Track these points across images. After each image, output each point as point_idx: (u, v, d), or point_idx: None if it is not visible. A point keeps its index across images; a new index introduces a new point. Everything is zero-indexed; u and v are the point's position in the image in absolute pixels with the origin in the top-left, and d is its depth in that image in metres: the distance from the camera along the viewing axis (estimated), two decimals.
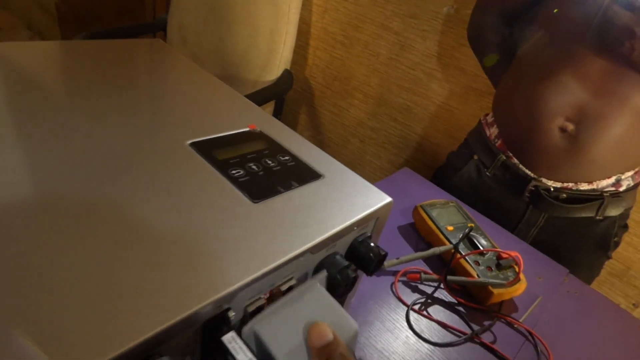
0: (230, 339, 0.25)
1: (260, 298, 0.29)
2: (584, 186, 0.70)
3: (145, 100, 0.45)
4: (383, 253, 0.37)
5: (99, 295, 0.23)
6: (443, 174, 0.88)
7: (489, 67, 0.86)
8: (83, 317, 0.22)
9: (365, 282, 0.54)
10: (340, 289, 0.33)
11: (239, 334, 0.26)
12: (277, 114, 1.39)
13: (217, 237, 0.29)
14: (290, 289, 0.31)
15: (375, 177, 1.34)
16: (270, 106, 1.36)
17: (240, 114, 0.47)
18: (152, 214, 0.29)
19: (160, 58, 0.59)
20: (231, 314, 0.26)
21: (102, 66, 0.52)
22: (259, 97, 1.27)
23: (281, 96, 1.35)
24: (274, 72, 1.30)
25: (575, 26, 0.67)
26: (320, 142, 1.47)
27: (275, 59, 1.28)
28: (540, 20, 0.73)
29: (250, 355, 0.25)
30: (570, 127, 0.66)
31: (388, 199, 0.38)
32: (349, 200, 0.36)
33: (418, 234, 0.66)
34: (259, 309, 0.29)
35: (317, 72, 1.38)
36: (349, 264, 0.34)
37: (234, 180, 0.35)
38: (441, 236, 0.60)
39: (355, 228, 0.35)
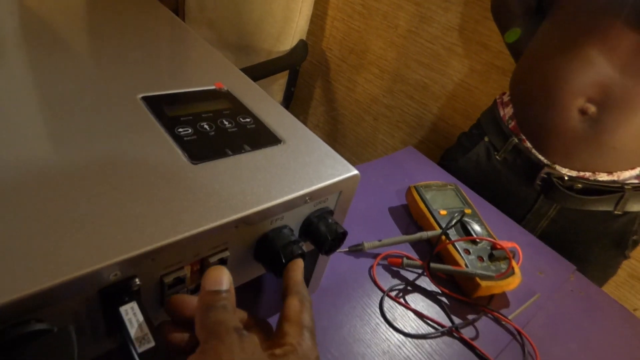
0: (129, 310, 0.22)
1: (182, 268, 0.26)
2: (603, 176, 0.62)
3: (113, 49, 0.42)
4: (341, 231, 0.33)
5: None
6: (451, 155, 0.82)
7: (511, 43, 0.78)
8: None
9: (342, 263, 0.51)
10: (280, 266, 0.29)
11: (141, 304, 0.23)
12: (291, 86, 1.34)
13: (136, 195, 0.26)
14: (222, 261, 0.28)
15: None
16: (284, 77, 1.32)
17: (211, 72, 0.43)
18: (65, 164, 0.26)
19: (149, 13, 0.56)
20: (136, 282, 0.23)
21: (83, 13, 0.49)
22: (272, 66, 1.23)
23: (295, 67, 1.30)
24: (288, 42, 1.25)
25: None
26: (334, 118, 1.42)
27: (290, 28, 1.23)
28: None
29: (146, 330, 0.22)
30: (592, 109, 0.58)
31: (353, 172, 0.34)
32: (306, 169, 0.32)
33: (411, 217, 0.61)
34: (179, 280, 0.26)
35: (334, 43, 1.32)
36: (297, 240, 0.31)
37: (177, 138, 0.32)
38: (432, 220, 0.55)
39: (308, 200, 0.31)
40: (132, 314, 0.22)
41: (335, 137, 1.44)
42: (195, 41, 0.50)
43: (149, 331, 0.22)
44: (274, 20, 1.23)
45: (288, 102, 1.38)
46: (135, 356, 0.21)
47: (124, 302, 0.23)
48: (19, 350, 0.19)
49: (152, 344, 0.21)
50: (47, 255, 0.21)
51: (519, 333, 0.48)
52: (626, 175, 0.62)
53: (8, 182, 0.24)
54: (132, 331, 0.21)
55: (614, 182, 0.62)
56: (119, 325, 0.22)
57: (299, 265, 0.29)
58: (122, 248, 0.22)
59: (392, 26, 1.13)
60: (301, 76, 1.44)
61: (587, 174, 0.63)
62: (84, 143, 0.29)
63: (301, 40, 1.26)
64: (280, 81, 1.33)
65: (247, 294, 0.43)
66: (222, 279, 0.24)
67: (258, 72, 1.19)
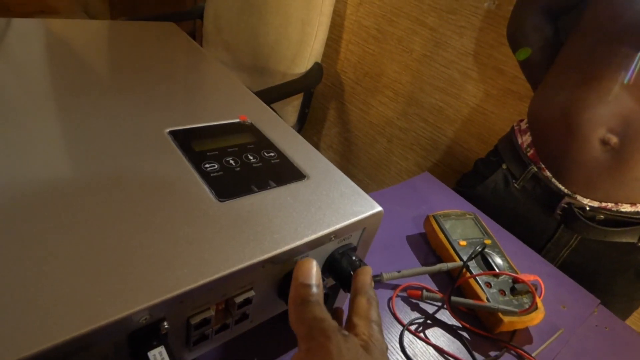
0: (157, 355, 0.22)
1: (208, 309, 0.26)
2: (626, 207, 0.61)
3: (140, 82, 0.43)
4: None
5: (6, 291, 0.21)
6: (467, 182, 0.81)
7: (526, 66, 0.78)
8: None
9: None
10: None
11: (169, 348, 0.23)
12: (305, 107, 1.36)
13: (165, 236, 0.26)
14: (247, 301, 0.28)
15: (399, 180, 1.28)
16: (298, 99, 1.34)
17: (235, 104, 0.44)
18: (93, 204, 0.27)
19: (170, 42, 0.57)
20: (165, 325, 0.23)
21: (111, 46, 0.51)
22: (287, 89, 1.25)
23: (310, 89, 1.32)
24: (303, 65, 1.27)
25: (633, 27, 0.58)
26: (348, 139, 1.42)
27: (305, 51, 1.25)
28: (588, 17, 0.65)
29: None
30: (614, 140, 0.58)
31: (377, 209, 0.34)
32: (330, 206, 0.32)
33: (429, 246, 0.60)
34: (206, 321, 0.26)
35: (349, 66, 1.33)
36: (322, 279, 0.30)
37: (204, 174, 0.32)
38: (452, 251, 0.54)
39: (333, 238, 0.31)
40: (160, 359, 0.22)
41: (349, 158, 1.44)
42: (216, 70, 0.51)
43: None
44: (289, 44, 1.26)
45: (302, 123, 1.39)
46: None
47: (153, 347, 0.22)
48: None
49: None
50: (80, 301, 0.21)
51: None
52: None
53: (38, 226, 0.25)
54: None
55: (637, 213, 0.61)
56: None
57: (367, 271, 0.31)
58: (153, 292, 0.22)
59: (407, 50, 1.14)
60: (315, 98, 1.45)
61: (610, 205, 0.62)
62: (115, 181, 0.29)
63: (316, 63, 1.28)
64: (294, 103, 1.35)
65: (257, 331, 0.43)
66: (313, 272, 0.26)
67: (273, 95, 1.20)
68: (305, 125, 1.43)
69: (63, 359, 0.20)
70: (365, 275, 0.31)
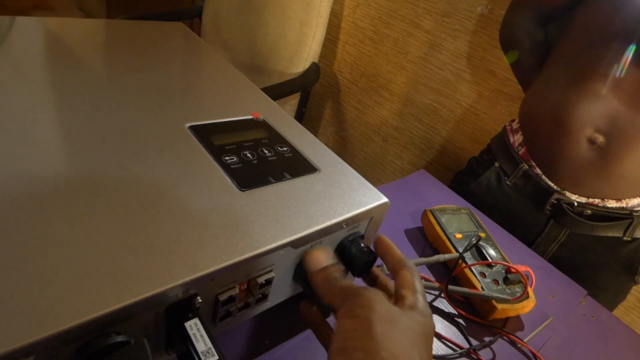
0: (193, 326, 0.25)
1: (234, 287, 0.28)
2: (612, 203, 0.65)
3: (157, 81, 0.45)
4: (373, 255, 0.35)
5: (60, 266, 0.23)
6: (462, 179, 0.84)
7: (517, 69, 0.82)
8: (39, 288, 0.22)
9: (363, 284, 0.53)
10: None
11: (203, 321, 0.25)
12: (303, 106, 1.38)
13: (195, 221, 0.28)
14: (268, 281, 0.30)
15: (395, 178, 1.31)
16: (295, 98, 1.36)
17: (247, 102, 0.46)
18: (132, 193, 0.29)
19: (180, 41, 0.59)
20: (198, 300, 0.26)
21: (123, 46, 0.53)
22: (285, 89, 1.27)
23: (307, 89, 1.34)
24: (301, 65, 1.29)
25: (620, 31, 0.62)
26: (343, 138, 1.45)
27: (303, 51, 1.27)
28: (578, 22, 0.68)
29: (210, 344, 0.24)
30: (600, 139, 0.61)
31: (384, 200, 0.36)
32: (341, 197, 0.35)
33: (426, 239, 0.63)
34: (232, 299, 0.28)
35: (345, 67, 1.36)
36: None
37: (225, 166, 0.34)
38: (448, 243, 0.57)
39: (344, 226, 0.34)
40: (195, 329, 0.25)
41: (345, 157, 1.47)
42: (228, 70, 0.53)
43: (212, 345, 0.24)
44: (287, 44, 1.28)
45: (299, 122, 1.41)
46: None
47: (188, 318, 0.25)
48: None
49: (216, 357, 0.23)
50: (126, 276, 0.23)
51: (535, 356, 0.49)
52: (634, 202, 0.64)
53: (84, 210, 0.27)
54: (198, 345, 0.24)
55: (622, 209, 0.65)
56: (184, 339, 0.24)
57: (392, 245, 0.34)
58: (188, 270, 0.25)
59: (402, 52, 1.17)
60: (312, 97, 1.48)
61: (597, 201, 0.65)
62: (146, 172, 0.31)
63: (313, 63, 1.31)
64: (292, 102, 1.37)
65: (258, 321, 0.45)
66: (324, 257, 0.29)
67: (271, 94, 1.21)
68: (302, 124, 1.46)
69: (112, 325, 0.22)
70: (394, 249, 0.33)
